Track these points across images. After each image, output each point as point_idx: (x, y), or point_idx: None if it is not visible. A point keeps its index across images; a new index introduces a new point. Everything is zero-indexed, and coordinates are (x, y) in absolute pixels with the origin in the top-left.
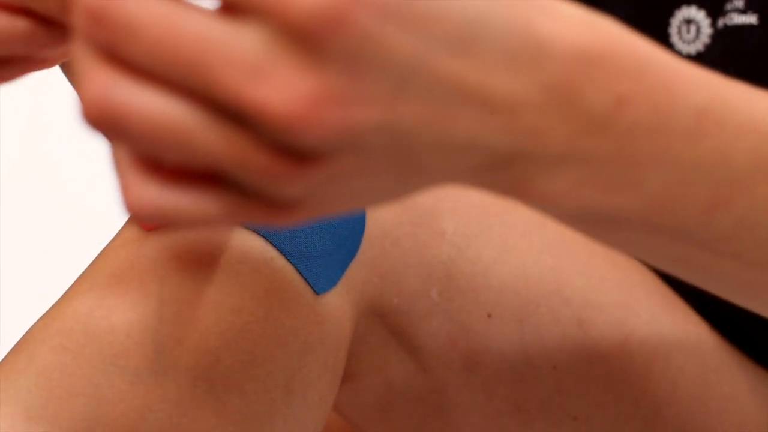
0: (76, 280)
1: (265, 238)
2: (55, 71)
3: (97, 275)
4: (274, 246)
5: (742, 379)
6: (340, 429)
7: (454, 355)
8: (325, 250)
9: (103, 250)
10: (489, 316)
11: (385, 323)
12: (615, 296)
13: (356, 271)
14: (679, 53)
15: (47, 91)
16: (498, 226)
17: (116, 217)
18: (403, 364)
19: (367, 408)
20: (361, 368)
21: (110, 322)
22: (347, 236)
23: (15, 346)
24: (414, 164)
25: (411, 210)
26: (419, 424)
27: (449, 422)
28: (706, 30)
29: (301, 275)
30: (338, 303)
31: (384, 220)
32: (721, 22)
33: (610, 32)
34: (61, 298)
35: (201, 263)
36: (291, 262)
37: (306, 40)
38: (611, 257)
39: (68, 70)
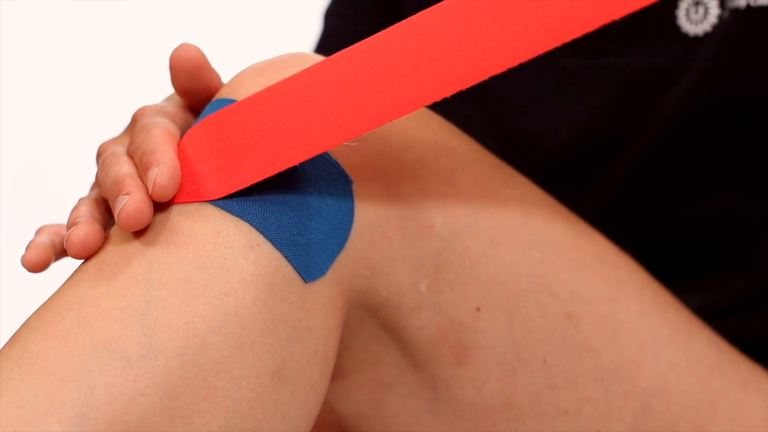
0: (71, 274)
1: (250, 224)
2: (55, 73)
3: (88, 265)
4: (261, 232)
5: (735, 374)
6: (333, 428)
7: (443, 349)
8: (313, 239)
9: None
10: (477, 309)
11: (375, 317)
12: (604, 291)
13: (345, 262)
14: (685, 35)
15: (48, 92)
16: (485, 221)
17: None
18: (394, 359)
19: (359, 405)
20: (352, 364)
21: (101, 308)
22: (336, 226)
23: (11, 337)
24: None
25: (399, 203)
26: (411, 421)
27: (441, 419)
28: (714, 11)
29: (289, 262)
30: (327, 292)
31: (372, 213)
32: (730, 3)
33: None
34: (56, 291)
35: (187, 248)
36: (278, 249)
37: None
38: (600, 253)
39: None
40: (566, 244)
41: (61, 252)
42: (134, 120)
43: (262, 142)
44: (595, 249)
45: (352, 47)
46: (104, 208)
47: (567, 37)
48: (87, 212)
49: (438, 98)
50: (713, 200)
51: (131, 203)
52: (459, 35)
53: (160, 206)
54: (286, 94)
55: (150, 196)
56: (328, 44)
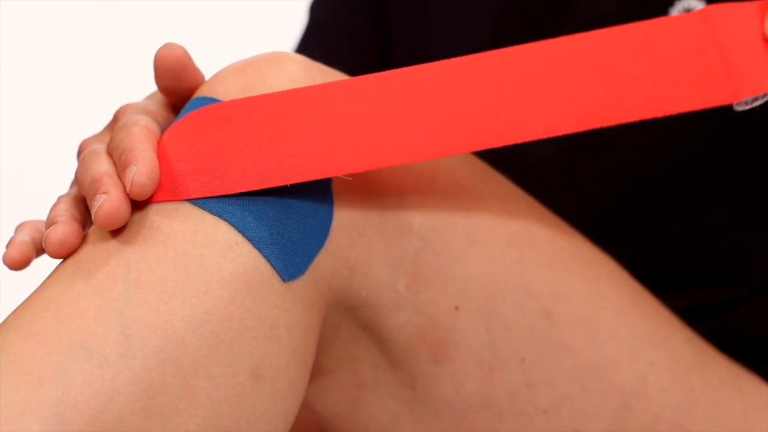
0: (50, 273)
1: (229, 223)
2: (42, 72)
3: (66, 264)
4: (239, 231)
5: (714, 373)
6: (313, 428)
7: (422, 349)
8: (292, 239)
9: None
10: (456, 308)
11: (354, 317)
12: (582, 289)
13: (324, 261)
14: None
15: (34, 91)
16: (463, 219)
17: None
18: (373, 358)
19: (337, 404)
20: (331, 363)
21: (78, 306)
22: (315, 225)
23: None
24: None
25: (378, 202)
26: (390, 421)
27: (419, 418)
28: None
29: (268, 261)
30: (306, 292)
31: (352, 212)
32: None
33: None
34: (34, 290)
35: (166, 247)
36: (257, 248)
37: None
38: (578, 252)
39: None
40: (544, 242)
41: (41, 249)
42: (116, 117)
43: (249, 154)
44: (573, 247)
45: (356, 79)
46: (83, 206)
47: (577, 128)
48: (66, 211)
49: (436, 156)
50: (707, 214)
51: (108, 202)
52: (471, 97)
53: (138, 205)
54: (278, 110)
55: (128, 195)
56: (313, 37)
